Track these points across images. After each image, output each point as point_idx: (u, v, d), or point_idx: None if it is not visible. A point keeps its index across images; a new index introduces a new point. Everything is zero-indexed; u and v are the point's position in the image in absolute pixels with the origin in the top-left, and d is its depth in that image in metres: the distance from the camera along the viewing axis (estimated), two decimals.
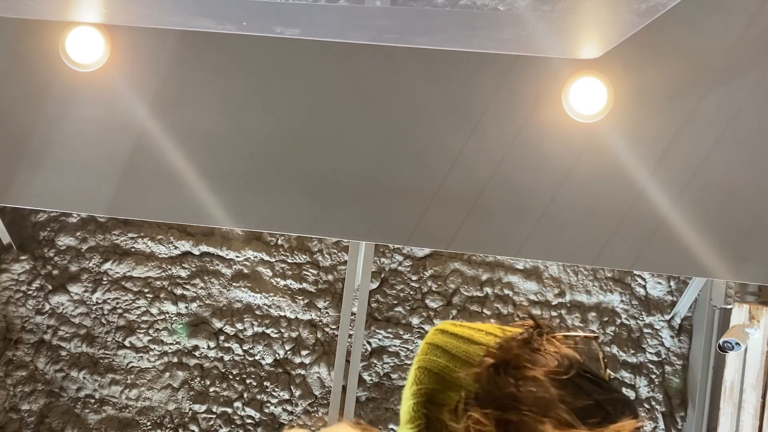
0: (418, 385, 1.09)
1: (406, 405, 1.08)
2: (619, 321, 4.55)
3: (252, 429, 4.56)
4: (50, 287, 4.60)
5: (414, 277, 4.55)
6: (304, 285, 4.55)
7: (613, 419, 0.97)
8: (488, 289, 4.54)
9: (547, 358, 1.02)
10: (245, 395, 4.55)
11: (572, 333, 1.18)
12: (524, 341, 1.05)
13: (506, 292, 4.55)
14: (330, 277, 4.56)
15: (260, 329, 4.54)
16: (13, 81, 2.63)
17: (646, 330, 4.54)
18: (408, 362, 4.48)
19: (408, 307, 4.53)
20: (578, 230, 2.60)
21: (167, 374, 4.59)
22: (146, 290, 4.59)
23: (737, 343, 3.72)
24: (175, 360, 4.59)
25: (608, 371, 1.06)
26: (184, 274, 4.59)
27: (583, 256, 2.65)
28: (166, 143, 2.62)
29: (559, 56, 2.41)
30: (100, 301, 4.59)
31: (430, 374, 1.09)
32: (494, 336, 1.11)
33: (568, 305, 4.55)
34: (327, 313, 4.53)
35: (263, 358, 4.54)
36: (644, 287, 4.53)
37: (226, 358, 4.57)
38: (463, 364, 1.08)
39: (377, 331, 4.49)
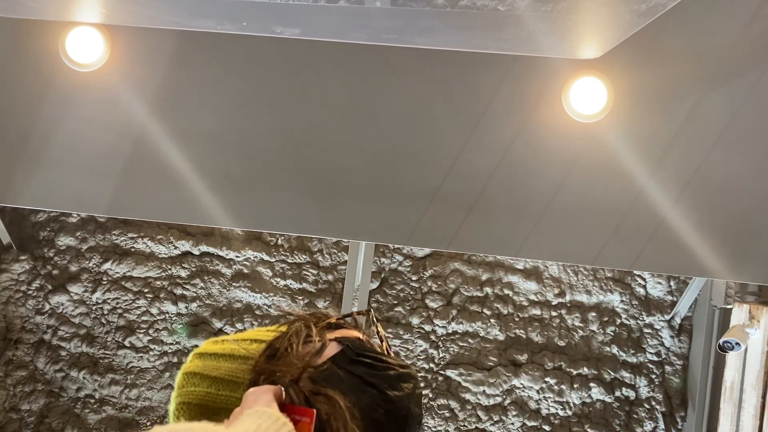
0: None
1: None
2: (619, 321, 4.54)
3: None
4: (50, 287, 4.60)
5: (414, 277, 4.55)
6: (304, 285, 4.55)
7: (390, 398, 0.98)
8: (488, 289, 4.54)
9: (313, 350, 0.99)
10: None
11: (345, 314, 1.13)
12: (289, 344, 1.00)
13: (506, 292, 4.55)
14: (330, 277, 4.56)
15: None
16: (13, 81, 2.63)
17: (646, 330, 4.54)
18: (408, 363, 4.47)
19: (408, 307, 4.53)
20: (578, 230, 2.60)
21: (167, 374, 4.59)
22: (146, 290, 4.59)
23: (737, 343, 3.72)
24: (175, 360, 4.59)
25: (385, 344, 1.05)
26: (184, 274, 4.59)
27: (583, 256, 2.65)
28: (166, 143, 2.62)
29: (559, 56, 2.41)
30: (100, 301, 4.59)
31: (191, 408, 1.01)
32: (260, 342, 1.05)
33: (568, 305, 4.55)
34: None
35: None
36: (644, 287, 4.53)
37: None
38: (227, 384, 1.01)
39: None
